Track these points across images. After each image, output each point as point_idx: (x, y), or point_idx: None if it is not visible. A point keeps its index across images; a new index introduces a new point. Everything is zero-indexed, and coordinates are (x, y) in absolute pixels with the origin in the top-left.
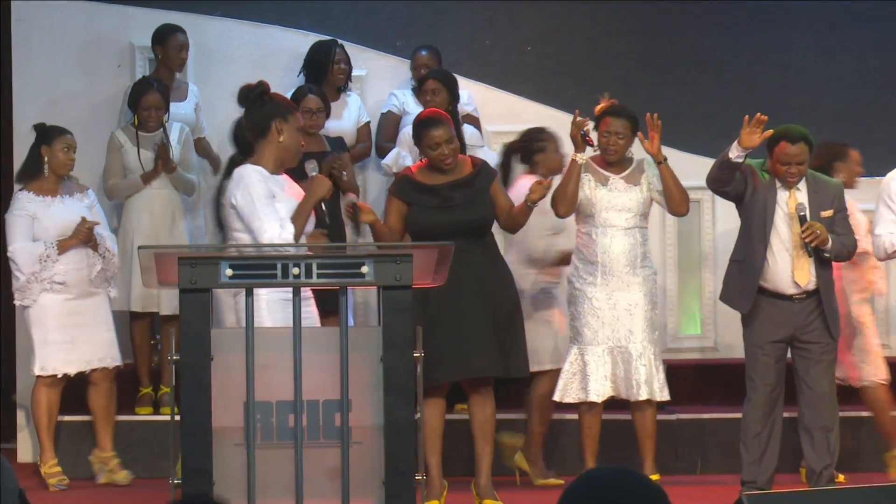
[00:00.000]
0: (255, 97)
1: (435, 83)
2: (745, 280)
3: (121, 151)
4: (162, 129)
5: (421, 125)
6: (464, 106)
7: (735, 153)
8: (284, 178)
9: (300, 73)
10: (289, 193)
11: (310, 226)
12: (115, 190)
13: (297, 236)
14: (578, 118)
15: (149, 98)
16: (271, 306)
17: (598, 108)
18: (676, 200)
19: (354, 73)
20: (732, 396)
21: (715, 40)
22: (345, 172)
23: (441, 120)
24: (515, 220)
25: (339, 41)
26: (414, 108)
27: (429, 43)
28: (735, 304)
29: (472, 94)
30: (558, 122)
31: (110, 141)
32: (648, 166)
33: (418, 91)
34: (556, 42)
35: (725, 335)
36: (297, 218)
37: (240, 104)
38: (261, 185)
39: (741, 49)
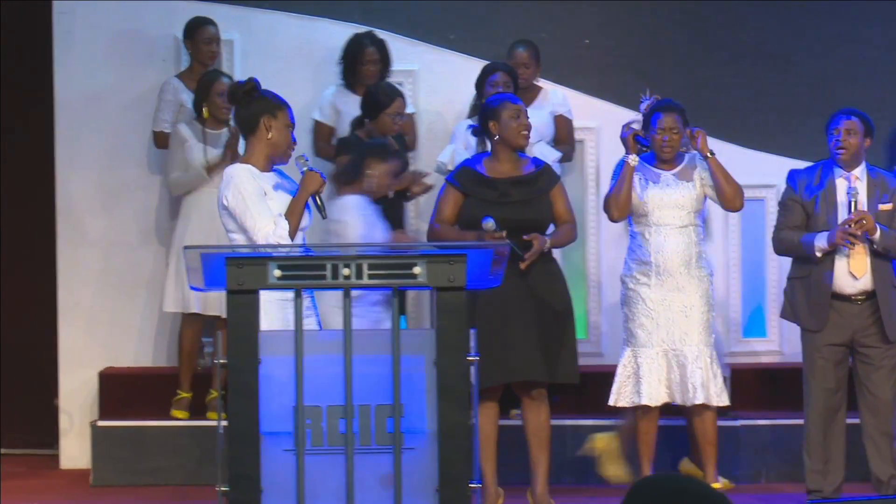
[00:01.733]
0: (243, 94)
1: (506, 76)
2: (812, 297)
3: (184, 146)
4: (227, 127)
5: (494, 102)
6: (557, 107)
7: (820, 250)
8: (275, 174)
9: (339, 62)
10: (280, 190)
11: (304, 220)
12: (179, 184)
13: (291, 233)
14: (632, 123)
15: (221, 84)
16: (267, 306)
17: (646, 105)
18: (729, 196)
19: (406, 67)
20: (798, 402)
21: (781, 32)
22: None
23: (517, 96)
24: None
25: (377, 37)
26: None
27: (486, 37)
28: (806, 323)
29: (567, 95)
30: (617, 117)
31: (174, 134)
32: (700, 162)
33: (480, 84)
34: (616, 35)
35: (791, 338)
36: (290, 215)
37: (229, 102)
38: (251, 183)
39: (808, 42)
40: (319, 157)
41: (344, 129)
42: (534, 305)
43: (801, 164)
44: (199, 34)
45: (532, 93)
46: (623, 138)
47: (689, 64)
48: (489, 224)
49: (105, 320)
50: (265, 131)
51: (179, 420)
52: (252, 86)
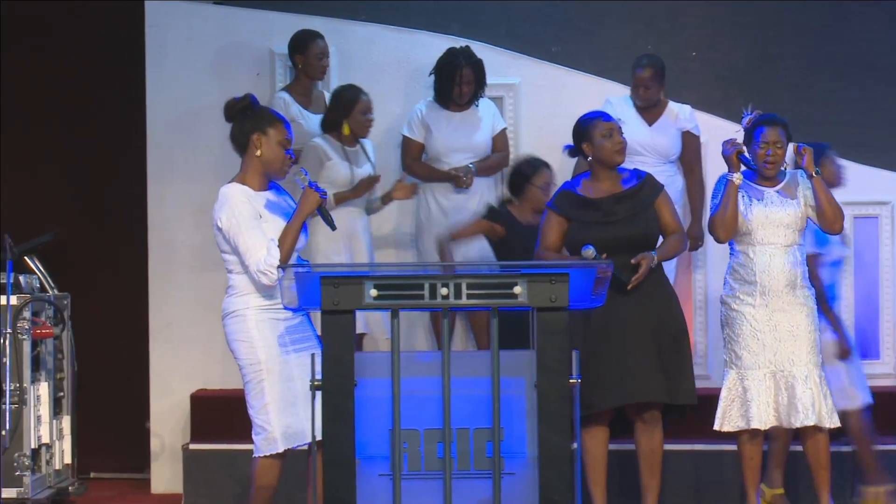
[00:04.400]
0: (237, 111)
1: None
2: None
3: (326, 164)
4: (360, 146)
5: (585, 122)
6: (684, 122)
7: None
8: (271, 191)
9: (431, 73)
10: (274, 208)
11: (300, 241)
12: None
13: (283, 258)
14: (736, 139)
15: (363, 102)
16: (260, 325)
17: (748, 119)
18: (830, 218)
19: (507, 80)
20: None
21: (893, 44)
22: None
23: (607, 114)
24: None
25: (474, 56)
26: (633, 118)
27: (589, 50)
28: None
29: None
30: (723, 132)
31: (311, 149)
32: (802, 178)
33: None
34: (723, 46)
35: None
36: (285, 236)
37: (226, 119)
38: (245, 206)
39: None
40: (407, 172)
41: (432, 145)
42: (650, 328)
43: None
44: (311, 48)
45: (657, 109)
46: (726, 156)
47: (797, 77)
48: (589, 252)
49: (196, 341)
50: (255, 149)
51: None
52: (247, 102)
